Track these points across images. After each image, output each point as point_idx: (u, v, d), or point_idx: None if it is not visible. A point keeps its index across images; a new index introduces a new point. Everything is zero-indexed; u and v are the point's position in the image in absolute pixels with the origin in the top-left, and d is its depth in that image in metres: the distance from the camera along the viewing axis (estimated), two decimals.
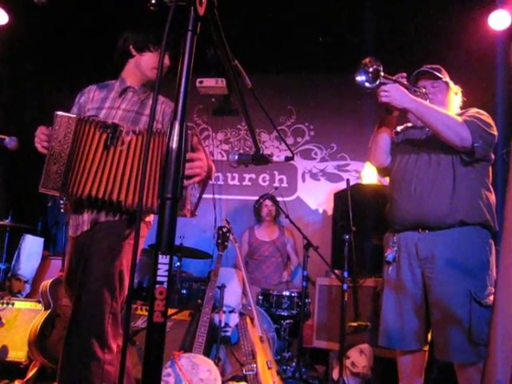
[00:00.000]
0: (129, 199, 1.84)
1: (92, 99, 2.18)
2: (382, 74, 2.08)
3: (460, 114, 2.24)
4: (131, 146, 1.88)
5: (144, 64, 2.19)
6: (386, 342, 2.29)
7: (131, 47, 2.19)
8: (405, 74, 2.24)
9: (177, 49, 2.11)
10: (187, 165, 1.75)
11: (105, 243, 1.93)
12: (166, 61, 2.14)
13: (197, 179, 1.81)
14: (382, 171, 2.52)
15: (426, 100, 2.22)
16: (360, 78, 2.08)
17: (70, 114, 1.89)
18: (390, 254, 2.28)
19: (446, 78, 2.33)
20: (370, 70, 2.07)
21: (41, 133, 1.94)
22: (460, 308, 2.04)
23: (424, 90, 2.27)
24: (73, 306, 1.89)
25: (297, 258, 4.68)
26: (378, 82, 2.08)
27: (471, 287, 2.04)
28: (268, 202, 4.54)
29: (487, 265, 2.10)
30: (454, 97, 2.33)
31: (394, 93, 2.10)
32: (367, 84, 2.08)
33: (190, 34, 0.93)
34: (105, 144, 1.87)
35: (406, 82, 2.21)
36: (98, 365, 1.79)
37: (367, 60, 2.07)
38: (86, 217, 1.99)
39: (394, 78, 2.16)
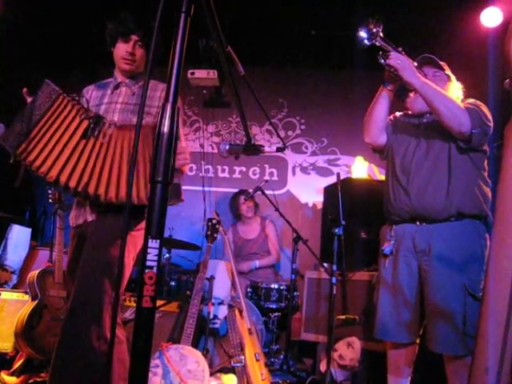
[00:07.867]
0: (111, 192, 1.82)
1: (90, 97, 2.17)
2: (381, 35, 2.08)
3: None
4: (112, 140, 1.85)
5: (115, 56, 2.13)
6: (381, 334, 2.28)
7: (107, 42, 2.13)
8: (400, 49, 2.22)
9: (150, 37, 2.03)
10: None
11: (108, 233, 1.89)
12: (129, 48, 2.07)
13: None
14: (377, 149, 2.49)
15: None
16: (362, 35, 2.07)
17: (56, 87, 1.87)
18: (387, 247, 2.28)
19: (448, 71, 2.35)
20: (374, 30, 2.07)
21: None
22: (455, 301, 2.05)
23: (423, 74, 2.24)
24: (72, 295, 1.86)
25: (276, 253, 4.46)
26: (374, 42, 2.08)
27: (466, 281, 2.05)
28: (244, 200, 4.33)
29: (482, 259, 2.11)
30: (454, 90, 2.31)
31: (406, 64, 2.11)
32: (366, 42, 2.07)
33: (183, 15, 0.92)
34: (84, 133, 1.84)
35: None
36: (94, 355, 1.76)
37: (370, 22, 2.06)
38: (89, 208, 2.00)
39: (394, 46, 2.16)
